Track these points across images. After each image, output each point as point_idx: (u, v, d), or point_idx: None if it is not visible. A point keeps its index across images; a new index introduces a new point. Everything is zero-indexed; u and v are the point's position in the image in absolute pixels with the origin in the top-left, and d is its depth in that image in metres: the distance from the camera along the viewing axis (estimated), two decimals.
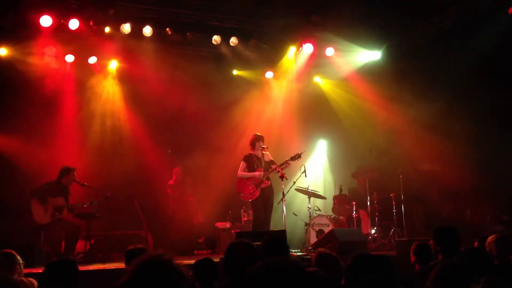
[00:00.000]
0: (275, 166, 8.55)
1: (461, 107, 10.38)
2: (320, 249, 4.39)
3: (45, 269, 3.56)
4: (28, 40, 10.12)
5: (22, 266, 4.47)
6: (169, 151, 11.76)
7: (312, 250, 8.32)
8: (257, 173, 8.58)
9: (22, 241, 8.09)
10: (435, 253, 4.68)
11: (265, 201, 8.63)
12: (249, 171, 8.72)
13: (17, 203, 9.16)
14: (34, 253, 6.91)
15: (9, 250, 4.47)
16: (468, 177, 10.79)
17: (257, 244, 3.98)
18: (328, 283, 3.22)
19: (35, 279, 4.30)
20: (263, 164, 8.72)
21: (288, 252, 4.33)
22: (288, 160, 8.52)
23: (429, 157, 11.09)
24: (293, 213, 10.90)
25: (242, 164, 8.80)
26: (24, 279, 4.25)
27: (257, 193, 8.57)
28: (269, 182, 8.72)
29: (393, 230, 10.12)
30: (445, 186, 10.81)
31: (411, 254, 5.04)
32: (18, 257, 4.43)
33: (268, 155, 8.78)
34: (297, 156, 8.57)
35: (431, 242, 4.78)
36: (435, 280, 2.94)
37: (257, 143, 8.80)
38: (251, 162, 8.75)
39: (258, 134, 8.97)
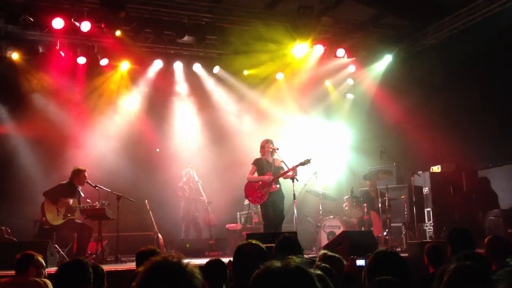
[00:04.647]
0: (284, 171, 8.48)
1: (475, 108, 10.33)
2: (325, 251, 4.39)
3: (58, 269, 3.58)
4: (40, 43, 10.24)
5: (41, 266, 4.49)
6: (158, 150, 11.81)
7: None
8: (265, 177, 8.52)
9: (35, 241, 8.19)
10: (450, 254, 4.64)
11: (274, 206, 8.56)
12: (258, 175, 8.67)
13: (30, 205, 9.27)
14: (46, 254, 6.94)
15: (30, 252, 4.52)
16: (480, 179, 10.73)
17: (270, 246, 3.97)
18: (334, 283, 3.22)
19: (48, 279, 4.35)
20: (273, 168, 8.66)
21: (301, 253, 4.32)
22: (298, 165, 8.41)
23: (441, 159, 11.02)
24: (305, 215, 10.88)
25: (252, 168, 8.75)
26: (39, 280, 4.29)
27: (265, 197, 8.50)
28: (278, 186, 8.63)
29: (405, 232, 10.05)
30: (457, 188, 10.75)
31: (424, 256, 5.00)
32: (38, 258, 4.46)
33: (278, 161, 8.71)
34: (306, 162, 8.47)
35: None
36: (449, 283, 2.91)
37: (266, 146, 8.75)
38: (261, 166, 8.69)
39: (268, 138, 8.91)
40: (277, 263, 1.84)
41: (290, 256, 1.91)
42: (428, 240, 9.84)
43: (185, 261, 1.91)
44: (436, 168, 11.07)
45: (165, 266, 1.87)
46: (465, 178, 10.82)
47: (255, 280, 1.85)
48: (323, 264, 3.82)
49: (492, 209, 9.79)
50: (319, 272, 3.02)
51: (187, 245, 10.20)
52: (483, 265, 3.80)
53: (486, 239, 4.65)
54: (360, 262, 5.29)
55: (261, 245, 3.40)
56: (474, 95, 10.30)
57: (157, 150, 11.87)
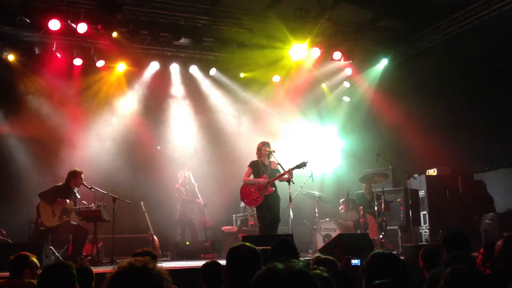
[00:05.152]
0: (279, 174, 8.47)
1: (472, 112, 10.35)
2: (318, 255, 4.38)
3: (41, 272, 3.55)
4: (36, 44, 10.22)
5: (36, 268, 4.47)
6: (159, 147, 11.78)
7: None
8: (261, 179, 8.50)
9: (30, 243, 8.15)
10: (446, 258, 4.62)
11: (270, 208, 8.53)
12: (254, 177, 8.66)
13: (25, 206, 9.25)
14: (41, 256, 6.91)
15: (24, 253, 4.50)
16: (476, 183, 10.74)
17: (265, 249, 3.96)
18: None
19: None
20: (269, 171, 8.64)
21: (297, 256, 4.31)
22: (293, 167, 8.39)
23: (437, 162, 11.04)
24: (300, 218, 10.88)
25: (248, 170, 8.73)
26: (34, 281, 4.26)
27: (260, 200, 8.47)
28: (274, 189, 8.60)
29: (401, 235, 10.06)
30: (453, 191, 10.76)
31: (420, 259, 5.00)
32: (33, 259, 4.44)
33: (274, 163, 8.69)
34: (302, 165, 8.45)
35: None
36: (445, 285, 2.90)
37: (263, 148, 8.74)
38: (257, 168, 8.68)
39: (264, 141, 8.90)
40: (280, 265, 1.84)
41: (293, 260, 1.91)
42: (424, 243, 9.85)
43: (152, 264, 1.90)
44: (432, 171, 11.09)
45: (130, 271, 1.85)
46: (461, 182, 10.84)
47: (257, 280, 1.84)
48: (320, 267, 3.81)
49: (487, 212, 9.80)
50: (326, 274, 3.02)
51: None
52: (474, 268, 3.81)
53: (500, 241, 4.64)
54: (355, 262, 5.31)
55: (253, 247, 3.37)
56: (470, 98, 10.32)
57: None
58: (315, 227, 10.37)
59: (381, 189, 10.14)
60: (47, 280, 3.45)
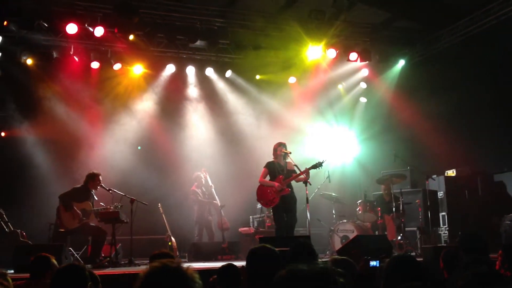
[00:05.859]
0: (296, 174, 8.44)
1: (491, 112, 10.22)
2: (335, 256, 4.35)
3: (54, 275, 3.57)
4: (54, 48, 10.35)
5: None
6: (139, 148, 11.78)
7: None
8: (276, 183, 8.47)
9: (50, 244, 8.24)
10: (464, 260, 4.56)
11: (286, 209, 8.50)
12: (270, 178, 8.62)
13: (44, 208, 9.37)
14: (61, 257, 6.98)
15: (45, 254, 4.53)
16: (496, 183, 10.60)
17: (283, 250, 3.95)
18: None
19: None
20: (285, 171, 8.61)
21: (316, 258, 4.28)
22: (310, 167, 8.35)
23: (456, 163, 10.91)
24: (317, 219, 10.84)
25: (264, 171, 8.71)
26: None
27: (277, 201, 8.44)
28: (290, 190, 8.58)
29: (419, 236, 9.95)
30: (473, 192, 10.63)
31: (440, 261, 4.93)
32: (53, 261, 4.48)
33: (291, 164, 8.66)
34: (318, 165, 8.41)
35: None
36: None
37: (279, 149, 8.71)
38: (273, 169, 8.66)
39: (280, 142, 8.87)
40: (302, 266, 1.84)
41: (314, 262, 1.92)
42: (443, 244, 9.74)
43: (185, 265, 1.91)
44: (451, 172, 10.96)
45: (165, 271, 1.86)
46: (481, 182, 10.70)
47: (279, 281, 1.84)
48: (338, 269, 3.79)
49: (508, 213, 9.64)
50: (341, 279, 3.00)
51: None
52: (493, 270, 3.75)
53: None
54: (374, 263, 5.27)
55: (273, 248, 3.38)
56: (489, 98, 10.19)
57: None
58: (332, 228, 10.32)
59: (399, 190, 10.06)
60: (60, 283, 3.47)
